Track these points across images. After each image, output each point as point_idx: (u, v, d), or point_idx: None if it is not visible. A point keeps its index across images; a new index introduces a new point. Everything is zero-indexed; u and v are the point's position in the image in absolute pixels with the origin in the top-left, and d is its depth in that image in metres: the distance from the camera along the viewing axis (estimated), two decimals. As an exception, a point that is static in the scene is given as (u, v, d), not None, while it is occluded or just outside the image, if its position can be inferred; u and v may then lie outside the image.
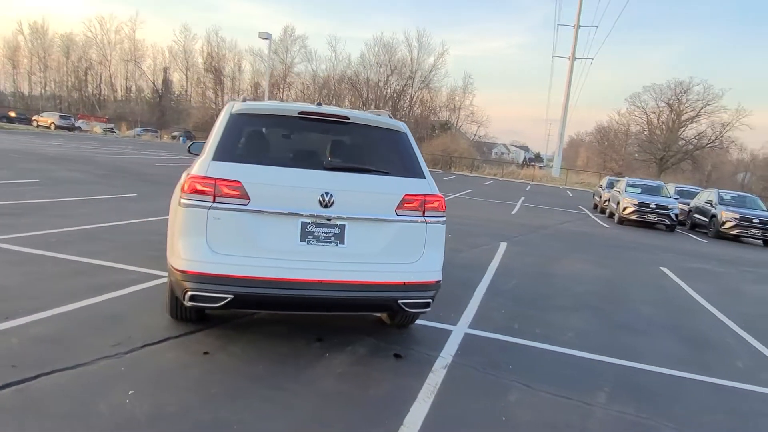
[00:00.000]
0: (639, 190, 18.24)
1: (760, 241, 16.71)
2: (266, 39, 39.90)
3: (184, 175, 3.96)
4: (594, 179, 49.38)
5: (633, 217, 17.00)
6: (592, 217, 19.51)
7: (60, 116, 47.01)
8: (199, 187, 3.41)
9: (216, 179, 3.41)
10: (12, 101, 70.83)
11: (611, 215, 19.03)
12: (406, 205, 3.73)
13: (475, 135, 72.91)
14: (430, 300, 3.81)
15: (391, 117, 4.29)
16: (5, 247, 5.82)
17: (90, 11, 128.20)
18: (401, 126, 4.12)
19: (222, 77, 73.06)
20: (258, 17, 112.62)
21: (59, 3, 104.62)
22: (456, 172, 45.51)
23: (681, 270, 9.59)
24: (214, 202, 3.40)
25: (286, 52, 69.47)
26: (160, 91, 77.96)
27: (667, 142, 61.19)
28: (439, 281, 3.86)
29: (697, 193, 20.79)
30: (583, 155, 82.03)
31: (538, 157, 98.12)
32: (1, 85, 77.28)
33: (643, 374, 4.30)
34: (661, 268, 9.61)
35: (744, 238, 16.73)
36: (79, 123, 51.00)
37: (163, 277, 5.28)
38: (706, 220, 17.58)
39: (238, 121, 3.75)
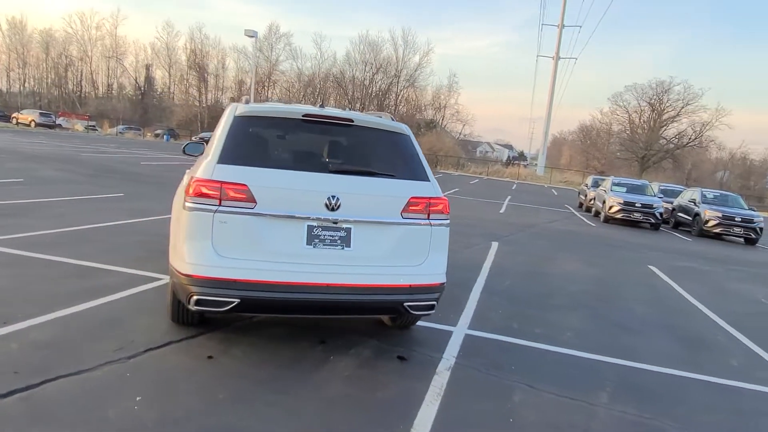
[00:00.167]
0: (624, 189, 18.49)
1: (742, 239, 17.04)
2: (252, 37, 39.62)
3: (186, 177, 3.92)
4: (578, 178, 49.97)
5: (619, 215, 17.22)
6: (578, 215, 19.71)
7: (40, 113, 46.06)
8: (204, 190, 3.37)
9: (222, 182, 3.38)
10: (-10, 98, 69.44)
11: (597, 214, 19.25)
12: (411, 207, 3.73)
13: (460, 133, 73.37)
14: (434, 302, 3.82)
15: (393, 119, 4.28)
16: (-5, 249, 5.70)
17: (70, 7, 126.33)
18: (404, 128, 4.12)
19: (206, 75, 72.28)
20: (242, 15, 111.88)
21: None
22: (442, 171, 45.61)
23: (669, 269, 9.74)
24: (220, 205, 3.36)
25: (271, 50, 69.11)
26: (142, 89, 76.97)
27: (648, 141, 62.10)
28: (443, 283, 3.87)
29: (681, 191, 21.14)
30: (566, 154, 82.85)
31: (521, 156, 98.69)
32: (-21, 81, 75.83)
33: (642, 374, 4.36)
34: (650, 266, 9.75)
35: (726, 236, 17.03)
36: (59, 120, 50.01)
37: (158, 279, 5.22)
38: (690, 218, 17.88)
39: (242, 123, 3.72)
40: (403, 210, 3.71)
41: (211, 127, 62.93)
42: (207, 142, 4.34)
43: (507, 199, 23.38)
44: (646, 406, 3.72)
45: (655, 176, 51.51)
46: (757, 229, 16.69)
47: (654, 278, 8.71)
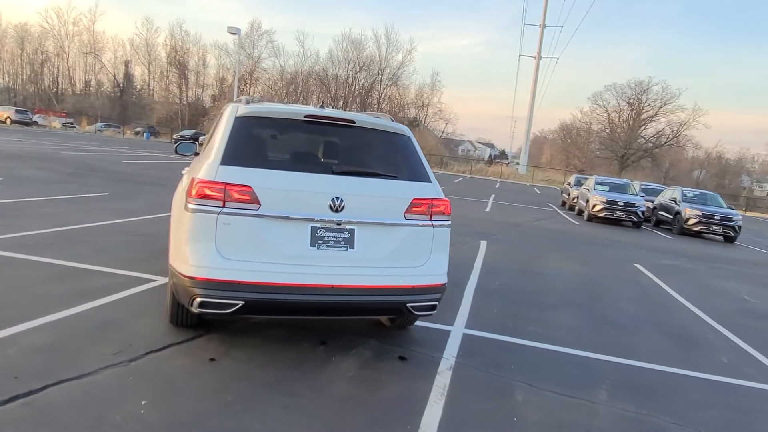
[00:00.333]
0: (607, 188, 18.77)
1: (721, 237, 17.41)
2: (235, 34, 39.23)
3: (186, 178, 3.87)
4: (559, 176, 50.48)
5: (602, 214, 17.46)
6: (562, 214, 19.93)
7: (17, 110, 45.04)
8: (207, 191, 3.34)
9: (226, 184, 3.35)
10: (-38, 94, 67.72)
11: (580, 212, 19.49)
12: (414, 209, 3.74)
13: (442, 132, 73.67)
14: (436, 302, 3.84)
15: (393, 120, 4.29)
16: (-19, 250, 5.57)
17: (47, 2, 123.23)
18: (405, 129, 4.12)
19: (186, 71, 71.46)
20: (223, 11, 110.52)
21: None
22: (425, 170, 45.60)
23: (654, 267, 9.91)
24: (223, 207, 3.33)
25: (253, 47, 68.44)
26: (121, 85, 75.81)
27: (627, 140, 63.06)
28: (445, 284, 3.88)
29: (661, 190, 21.51)
30: (547, 152, 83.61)
31: (503, 155, 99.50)
32: (-49, 76, 73.91)
33: (638, 371, 4.43)
34: (635, 264, 9.91)
35: (706, 234, 17.38)
36: (36, 117, 48.96)
37: (151, 281, 5.16)
38: (671, 216, 18.20)
39: (243, 124, 3.68)
40: (406, 211, 3.72)
41: (192, 124, 62.40)
42: (197, 140, 4.28)
43: (492, 198, 23.54)
44: (645, 403, 3.79)
45: (634, 175, 52.39)
46: (736, 227, 17.08)
47: (640, 276, 8.86)
